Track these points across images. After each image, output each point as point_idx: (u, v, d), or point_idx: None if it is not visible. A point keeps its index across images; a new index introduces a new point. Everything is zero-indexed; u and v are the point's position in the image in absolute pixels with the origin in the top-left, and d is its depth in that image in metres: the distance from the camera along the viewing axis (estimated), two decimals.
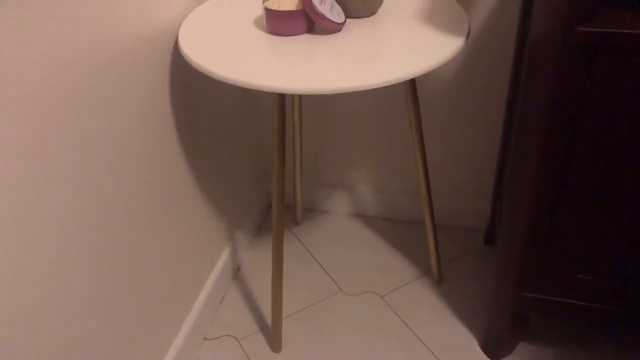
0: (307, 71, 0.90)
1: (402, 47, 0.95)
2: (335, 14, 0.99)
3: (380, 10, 1.07)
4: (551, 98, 0.86)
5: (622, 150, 0.89)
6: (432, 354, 1.26)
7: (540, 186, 0.96)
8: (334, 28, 0.99)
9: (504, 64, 1.31)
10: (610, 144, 0.88)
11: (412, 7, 1.09)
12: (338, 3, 1.03)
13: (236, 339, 1.32)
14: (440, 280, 1.43)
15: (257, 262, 1.51)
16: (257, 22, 1.06)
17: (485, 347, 1.26)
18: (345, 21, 1.01)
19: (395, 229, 1.59)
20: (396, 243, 1.55)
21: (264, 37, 1.01)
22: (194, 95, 1.18)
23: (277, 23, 0.99)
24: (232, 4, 1.14)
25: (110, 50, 0.89)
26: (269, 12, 0.99)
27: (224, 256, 1.42)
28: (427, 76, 1.37)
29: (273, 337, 1.28)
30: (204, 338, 1.32)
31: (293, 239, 1.58)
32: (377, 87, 0.87)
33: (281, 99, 1.02)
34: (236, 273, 1.49)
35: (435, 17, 1.04)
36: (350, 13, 1.04)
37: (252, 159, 1.56)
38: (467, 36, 0.98)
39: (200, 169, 1.24)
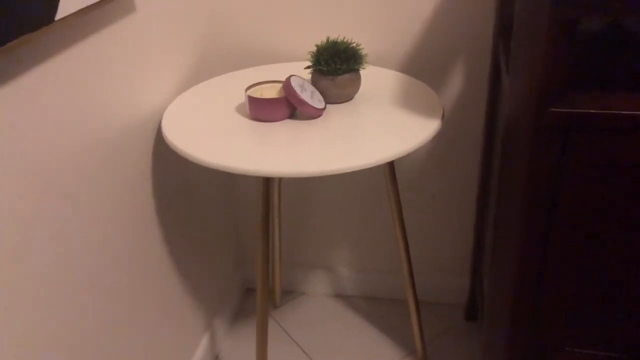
0: (291, 155, 0.92)
1: (381, 130, 0.99)
2: (316, 101, 1.03)
3: (357, 96, 1.12)
4: (528, 177, 0.90)
5: (601, 223, 0.92)
6: None
7: (522, 264, 0.98)
8: (315, 114, 1.02)
9: (475, 143, 1.36)
10: (589, 218, 0.92)
11: (387, 92, 1.13)
12: (317, 89, 1.07)
13: None
14: None
15: (237, 350, 1.47)
16: (239, 109, 1.08)
17: None
18: (325, 107, 1.05)
19: (376, 308, 1.58)
20: (378, 322, 1.53)
21: (246, 123, 1.03)
22: (174, 181, 1.19)
23: (259, 110, 1.02)
24: (214, 91, 1.17)
25: (94, 137, 0.89)
26: (252, 100, 1.02)
27: (202, 345, 1.37)
28: (402, 157, 1.41)
29: None
30: None
31: (272, 323, 1.54)
32: (361, 169, 0.89)
33: (266, 183, 1.03)
34: None
35: (410, 102, 1.09)
36: (329, 99, 1.08)
37: (229, 244, 1.54)
38: (442, 119, 1.03)
39: (177, 255, 1.22)
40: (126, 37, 0.96)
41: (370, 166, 0.90)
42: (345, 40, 1.08)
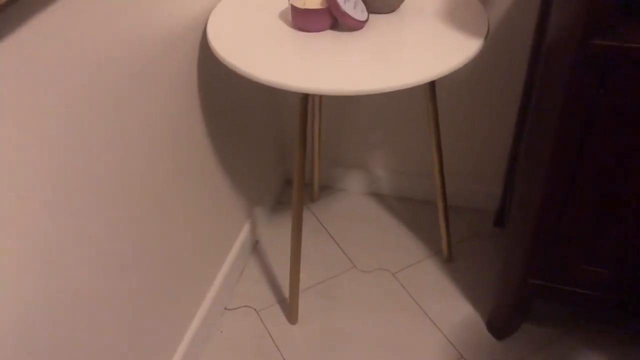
0: (331, 72, 0.94)
1: (422, 47, 0.99)
2: (358, 11, 1.03)
3: (402, 7, 1.10)
4: (564, 105, 0.90)
5: (630, 155, 0.93)
6: (440, 330, 1.34)
7: (550, 184, 1.01)
8: (357, 26, 1.03)
9: (522, 53, 1.33)
10: (619, 149, 0.93)
11: (432, 3, 1.11)
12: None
13: (255, 309, 1.40)
14: (450, 260, 1.49)
15: (275, 237, 1.59)
16: (282, 15, 1.09)
17: (490, 327, 1.33)
18: (367, 18, 1.05)
19: (409, 208, 1.65)
20: (409, 222, 1.61)
21: (289, 32, 1.04)
22: (219, 76, 1.23)
23: (302, 20, 1.03)
24: None
25: (145, 38, 0.93)
26: (294, 9, 1.02)
27: (244, 232, 1.49)
28: None
29: (290, 309, 1.36)
30: (225, 308, 1.41)
31: (309, 215, 1.64)
32: (398, 89, 0.91)
33: (304, 97, 1.06)
34: (255, 247, 1.56)
35: (455, 15, 1.07)
36: (373, 9, 1.07)
37: (272, 136, 1.61)
38: (486, 37, 1.01)
39: (222, 147, 1.30)
40: None
41: (409, 87, 0.92)
42: None
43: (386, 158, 1.63)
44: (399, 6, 1.09)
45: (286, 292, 1.44)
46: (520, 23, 1.28)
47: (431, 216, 1.63)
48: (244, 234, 1.49)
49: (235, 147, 1.37)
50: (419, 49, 0.99)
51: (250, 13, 1.11)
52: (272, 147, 1.63)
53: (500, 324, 1.30)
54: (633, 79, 0.84)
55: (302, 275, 1.48)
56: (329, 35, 1.03)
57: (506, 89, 1.40)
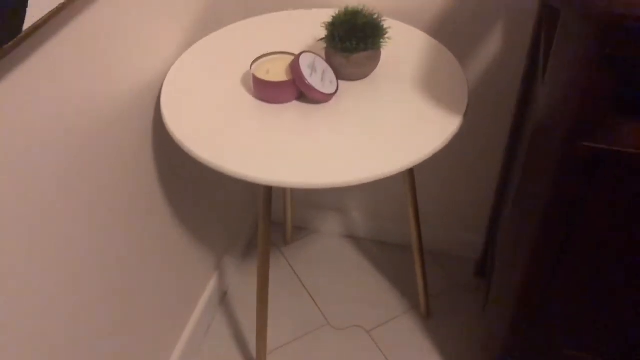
0: (297, 159, 0.85)
1: (394, 127, 0.90)
2: (326, 83, 0.94)
3: (376, 70, 1.01)
4: (548, 200, 0.82)
5: (615, 252, 0.86)
6: None
7: (531, 271, 0.94)
8: (324, 99, 0.93)
9: (505, 104, 1.25)
10: (604, 246, 0.85)
11: (409, 66, 1.02)
12: (330, 66, 0.97)
13: None
14: (427, 316, 1.42)
15: (245, 285, 1.50)
16: (245, 80, 1.00)
17: None
18: (337, 89, 0.96)
19: (386, 253, 1.58)
20: (386, 269, 1.53)
21: (251, 104, 0.95)
22: None
23: (265, 92, 0.94)
24: (223, 48, 1.07)
25: (99, 100, 0.84)
26: (257, 80, 0.93)
27: (212, 283, 1.41)
28: None
29: None
30: None
31: (282, 261, 1.56)
32: (367, 182, 0.83)
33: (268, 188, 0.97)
34: (223, 297, 1.48)
35: (432, 83, 0.98)
36: (343, 77, 0.98)
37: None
38: (465, 114, 0.93)
39: (185, 198, 1.20)
40: None
41: (380, 178, 0.84)
42: (365, 11, 0.96)
43: (363, 200, 1.55)
44: (371, 72, 1.00)
45: (254, 352, 1.36)
46: (505, 71, 1.20)
47: (410, 262, 1.55)
48: (211, 287, 1.40)
49: (201, 197, 1.28)
50: (391, 128, 0.90)
51: (211, 75, 1.01)
52: (243, 190, 1.54)
53: None
54: (623, 180, 0.76)
55: (271, 333, 1.40)
56: (294, 108, 0.94)
57: (490, 135, 1.32)
